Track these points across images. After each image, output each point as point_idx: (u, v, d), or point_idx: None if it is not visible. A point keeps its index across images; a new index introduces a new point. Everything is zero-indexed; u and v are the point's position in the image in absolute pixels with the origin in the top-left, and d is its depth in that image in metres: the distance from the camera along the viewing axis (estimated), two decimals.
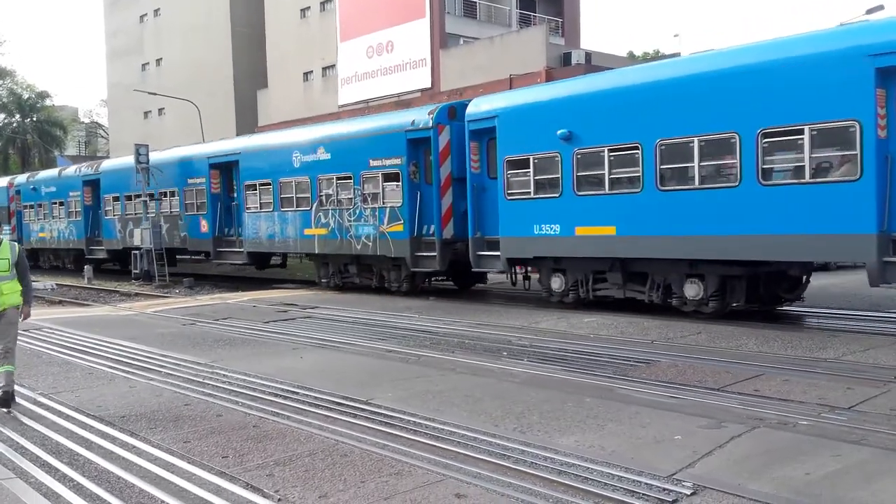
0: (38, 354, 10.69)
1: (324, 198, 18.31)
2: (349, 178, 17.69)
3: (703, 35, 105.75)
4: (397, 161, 16.60)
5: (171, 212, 23.78)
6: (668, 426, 6.21)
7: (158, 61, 54.74)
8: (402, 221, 16.48)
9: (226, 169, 22.28)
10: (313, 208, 18.61)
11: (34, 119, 67.18)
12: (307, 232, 18.91)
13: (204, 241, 22.70)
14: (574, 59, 31.55)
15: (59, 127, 68.35)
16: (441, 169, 16.03)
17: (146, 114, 55.75)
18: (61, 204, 30.06)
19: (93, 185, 28.19)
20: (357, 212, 17.47)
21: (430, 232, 16.29)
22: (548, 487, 4.95)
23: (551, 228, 13.84)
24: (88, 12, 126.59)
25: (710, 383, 7.72)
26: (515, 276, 16.11)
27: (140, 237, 24.03)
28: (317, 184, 18.46)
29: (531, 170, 14.08)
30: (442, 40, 36.07)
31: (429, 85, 35.90)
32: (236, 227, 21.87)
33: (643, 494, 4.79)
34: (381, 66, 38.60)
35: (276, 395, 7.72)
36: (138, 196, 24.31)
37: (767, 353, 9.22)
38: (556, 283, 14.43)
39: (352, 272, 18.67)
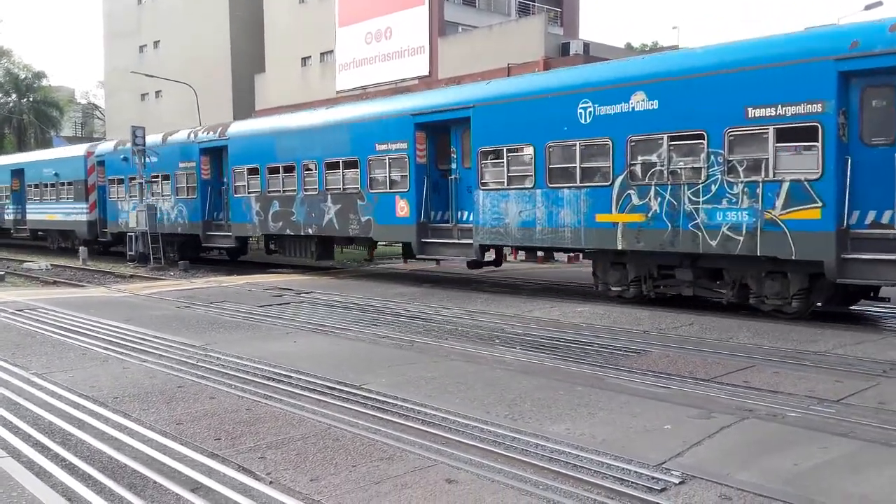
0: (31, 334, 10.69)
1: (639, 168, 12.42)
2: (698, 137, 11.68)
3: (702, 27, 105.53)
4: (813, 108, 10.48)
5: (344, 189, 17.82)
6: (658, 416, 6.25)
7: (156, 44, 54.52)
8: (817, 203, 10.52)
9: (436, 131, 16.43)
10: (617, 183, 12.65)
11: (31, 99, 66.94)
12: (603, 218, 12.93)
13: (401, 229, 16.70)
14: (572, 49, 31.55)
15: (55, 108, 68.13)
16: None
17: (143, 96, 55.56)
18: (165, 178, 23.89)
19: (214, 154, 22.36)
20: (715, 188, 11.53)
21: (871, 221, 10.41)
22: (538, 474, 4.99)
23: None
24: None
25: (701, 374, 7.77)
26: None
27: (136, 219, 23.93)
28: (626, 148, 12.46)
29: None
30: (441, 28, 35.99)
31: (427, 72, 35.85)
32: (453, 209, 15.97)
33: (632, 482, 4.83)
34: (379, 52, 38.51)
35: (269, 379, 7.75)
36: (288, 170, 19.35)
37: (759, 346, 9.28)
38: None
39: (680, 279, 12.63)
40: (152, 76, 43.11)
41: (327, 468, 5.14)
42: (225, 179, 22.02)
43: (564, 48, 32.12)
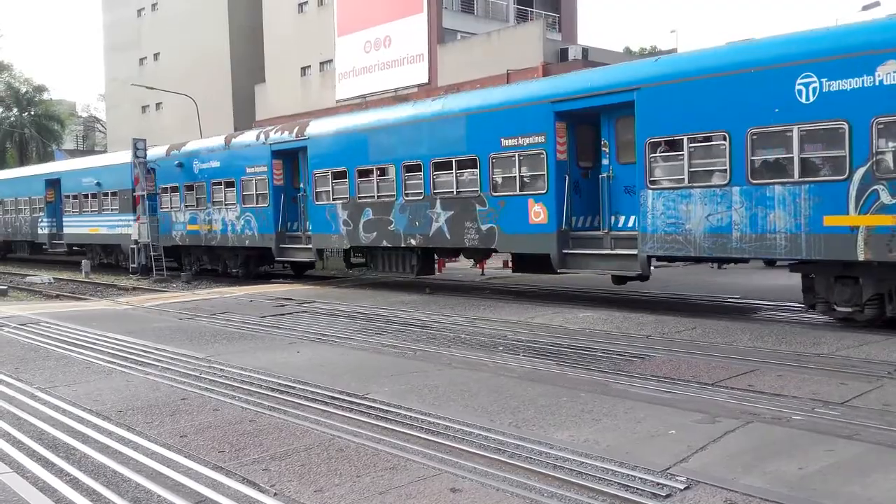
0: (34, 349, 10.69)
1: (891, 157, 9.92)
2: None
3: (700, 31, 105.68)
4: None
5: (458, 193, 15.25)
6: (662, 421, 6.24)
7: (156, 56, 54.71)
8: None
9: (579, 121, 13.79)
10: (857, 177, 10.11)
11: (32, 113, 67.09)
12: (835, 221, 10.38)
13: (536, 238, 13.93)
14: (571, 54, 31.59)
15: (56, 121, 68.31)
16: None
17: (144, 108, 55.74)
18: (230, 185, 21.27)
19: (288, 157, 20.07)
20: None
21: None
22: (543, 482, 4.98)
23: None
24: (86, 6, 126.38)
25: (705, 378, 7.75)
26: None
27: (138, 231, 23.91)
28: (871, 131, 9.95)
29: None
30: (439, 35, 36.08)
31: (426, 80, 35.92)
32: (605, 214, 13.36)
33: (637, 489, 4.81)
34: (378, 60, 38.60)
35: (272, 390, 7.74)
36: (384, 172, 16.87)
37: (762, 349, 9.26)
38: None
39: None
40: (153, 88, 43.25)
41: (331, 479, 5.13)
42: (302, 185, 19.51)
43: (563, 53, 32.18)
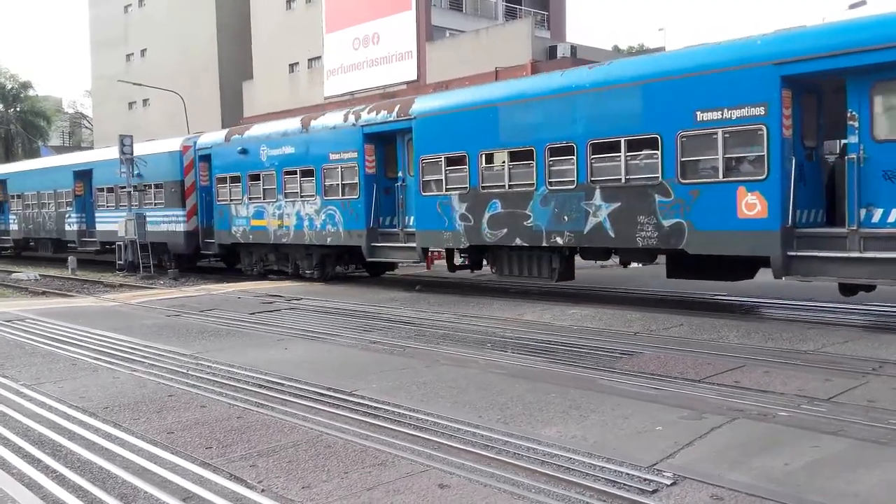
0: (20, 345, 10.62)
1: None
2: None
3: (688, 29, 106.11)
4: None
5: (627, 181, 12.44)
6: (649, 417, 6.27)
7: (143, 52, 54.44)
8: None
9: (806, 90, 11.30)
10: None
11: (17, 109, 66.59)
12: None
13: (749, 237, 11.20)
14: (560, 52, 31.65)
15: (42, 117, 67.81)
16: None
17: (131, 104, 55.44)
18: (308, 174, 18.57)
19: (384, 140, 17.31)
20: None
21: None
22: (530, 477, 4.99)
23: None
24: (72, 2, 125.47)
25: (692, 375, 7.79)
26: None
27: (125, 228, 23.71)
28: None
29: None
30: (428, 33, 36.08)
31: (415, 77, 35.91)
32: (854, 207, 10.44)
33: (624, 484, 4.83)
34: (367, 57, 38.55)
35: (260, 387, 7.72)
36: (519, 156, 14.12)
37: (748, 346, 9.32)
38: None
39: None
40: (140, 84, 43.00)
41: (319, 475, 5.13)
42: (400, 174, 16.81)
43: (552, 51, 32.23)
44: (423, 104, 16.20)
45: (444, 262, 21.13)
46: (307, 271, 19.34)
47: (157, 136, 28.76)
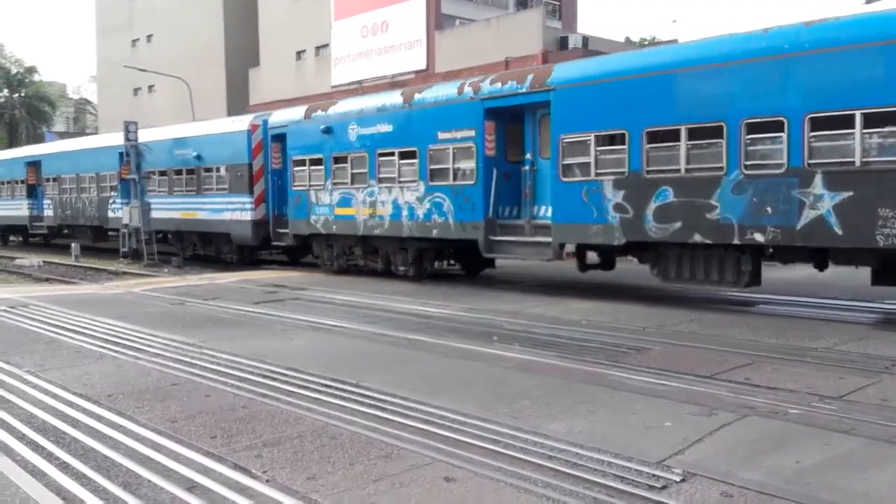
0: (24, 332, 10.59)
1: None
2: None
3: (701, 20, 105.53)
4: None
5: (865, 164, 10.15)
6: (658, 413, 6.20)
7: (149, 38, 54.31)
8: None
9: None
10: None
11: (22, 94, 66.58)
12: None
13: None
14: (571, 42, 31.49)
15: (47, 102, 67.77)
16: None
17: (136, 91, 55.35)
18: (408, 156, 16.12)
19: (505, 116, 14.72)
20: None
21: None
22: (538, 472, 4.93)
23: None
24: None
25: (702, 371, 7.72)
26: None
27: (129, 215, 23.64)
28: None
29: None
30: (437, 21, 35.89)
31: (423, 66, 35.74)
32: None
33: (633, 480, 4.78)
34: (375, 46, 38.39)
35: (264, 377, 7.67)
36: (700, 133, 11.65)
37: (759, 342, 9.24)
38: None
39: None
40: (145, 70, 42.92)
41: (324, 466, 5.08)
42: (528, 156, 14.38)
43: (563, 42, 32.04)
44: (565, 72, 13.66)
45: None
46: (401, 268, 16.88)
47: (163, 123, 28.52)
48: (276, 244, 20.72)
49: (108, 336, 10.17)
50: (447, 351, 8.99)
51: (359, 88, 34.68)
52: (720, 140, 11.32)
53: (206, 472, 4.97)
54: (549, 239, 13.63)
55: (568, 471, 4.95)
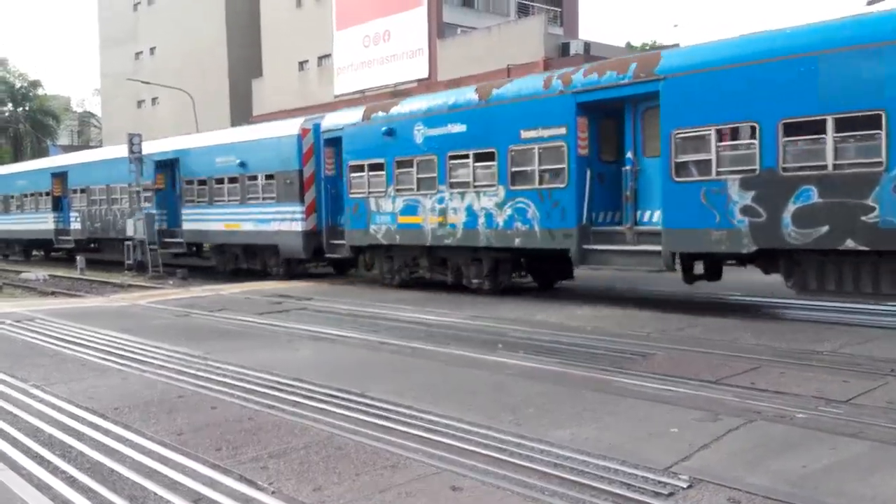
0: (30, 345, 10.62)
1: None
2: None
3: (703, 25, 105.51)
4: None
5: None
6: (664, 419, 6.19)
7: (152, 50, 54.52)
8: None
9: None
10: None
11: (26, 108, 66.89)
12: None
13: None
14: (573, 49, 31.51)
15: (51, 116, 68.07)
16: None
17: (139, 103, 55.54)
18: (485, 158, 14.68)
19: (600, 111, 13.40)
20: None
21: None
22: (543, 480, 4.92)
23: None
24: (81, 0, 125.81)
25: (707, 376, 7.69)
26: None
27: (134, 227, 23.68)
28: None
29: None
30: (439, 30, 35.97)
31: (426, 75, 35.80)
32: None
33: (639, 487, 4.76)
34: (377, 55, 38.47)
35: (270, 388, 7.67)
36: (869, 121, 10.16)
37: (764, 346, 9.21)
38: None
39: None
40: (148, 83, 43.06)
41: (330, 477, 5.08)
42: (629, 154, 12.82)
43: (564, 48, 32.07)
44: (678, 59, 12.27)
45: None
46: (474, 280, 15.51)
47: (166, 135, 28.57)
48: (330, 256, 19.21)
49: (114, 349, 10.19)
50: (451, 359, 8.98)
51: (361, 98, 34.76)
52: (878, 131, 9.94)
53: (213, 485, 4.97)
54: (657, 247, 12.16)
55: (574, 478, 4.94)
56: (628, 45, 52.53)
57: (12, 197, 33.43)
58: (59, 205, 30.12)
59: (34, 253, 34.95)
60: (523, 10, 40.27)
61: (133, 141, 23.32)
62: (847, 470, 5.01)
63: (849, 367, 7.99)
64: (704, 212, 11.54)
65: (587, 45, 31.85)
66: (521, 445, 5.62)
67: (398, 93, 31.32)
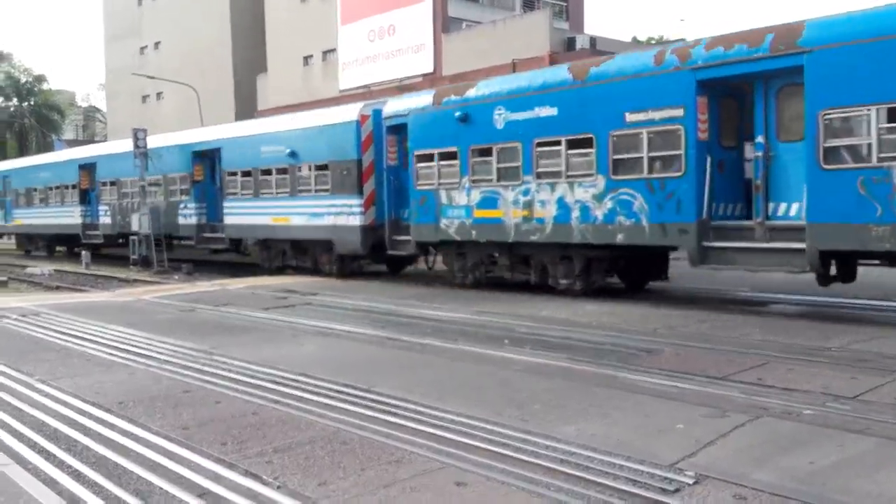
0: (35, 340, 10.64)
1: None
2: None
3: (709, 19, 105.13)
4: None
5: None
6: (670, 415, 6.17)
7: (157, 45, 54.52)
8: None
9: None
10: None
11: (31, 103, 66.95)
12: None
13: None
14: (579, 43, 31.39)
15: (56, 111, 68.10)
16: None
17: (144, 98, 55.58)
18: (580, 144, 13.21)
19: (721, 90, 11.92)
20: None
21: None
22: (549, 476, 4.91)
23: None
24: None
25: (714, 372, 7.67)
26: None
27: (138, 222, 23.68)
28: None
29: None
30: (444, 24, 35.87)
31: (431, 69, 35.73)
32: None
33: (645, 483, 4.75)
34: (382, 50, 38.39)
35: (275, 383, 7.67)
36: None
37: (771, 342, 9.17)
38: None
39: None
40: (153, 77, 43.07)
41: (335, 472, 5.07)
42: (759, 139, 11.34)
43: (570, 43, 31.95)
44: (828, 30, 10.46)
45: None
46: (562, 281, 14.02)
47: (171, 130, 28.50)
48: (393, 253, 17.56)
49: (119, 343, 10.20)
50: (457, 355, 8.97)
51: (367, 93, 34.70)
52: None
53: (218, 479, 4.97)
54: (798, 244, 10.59)
55: (579, 474, 4.92)
56: (634, 39, 52.40)
57: (35, 190, 32.08)
58: (86, 198, 28.97)
59: (58, 249, 33.73)
60: (528, 5, 40.14)
61: (138, 136, 23.31)
62: (854, 466, 4.98)
63: (857, 363, 7.95)
64: (863, 204, 9.94)
65: (593, 40, 31.72)
66: (527, 441, 5.60)
67: (404, 87, 31.27)
